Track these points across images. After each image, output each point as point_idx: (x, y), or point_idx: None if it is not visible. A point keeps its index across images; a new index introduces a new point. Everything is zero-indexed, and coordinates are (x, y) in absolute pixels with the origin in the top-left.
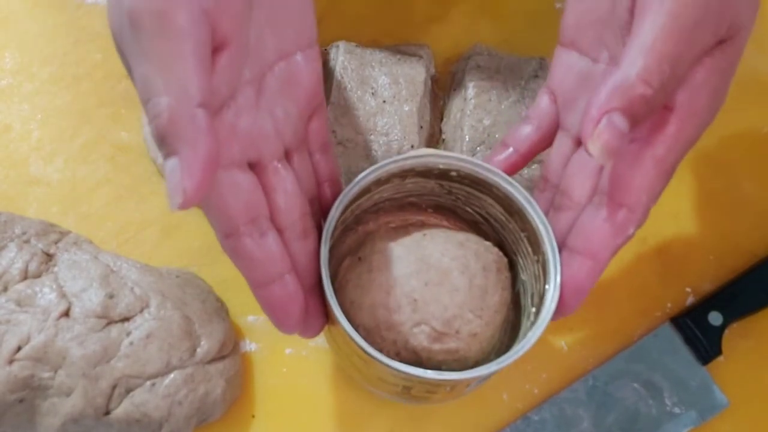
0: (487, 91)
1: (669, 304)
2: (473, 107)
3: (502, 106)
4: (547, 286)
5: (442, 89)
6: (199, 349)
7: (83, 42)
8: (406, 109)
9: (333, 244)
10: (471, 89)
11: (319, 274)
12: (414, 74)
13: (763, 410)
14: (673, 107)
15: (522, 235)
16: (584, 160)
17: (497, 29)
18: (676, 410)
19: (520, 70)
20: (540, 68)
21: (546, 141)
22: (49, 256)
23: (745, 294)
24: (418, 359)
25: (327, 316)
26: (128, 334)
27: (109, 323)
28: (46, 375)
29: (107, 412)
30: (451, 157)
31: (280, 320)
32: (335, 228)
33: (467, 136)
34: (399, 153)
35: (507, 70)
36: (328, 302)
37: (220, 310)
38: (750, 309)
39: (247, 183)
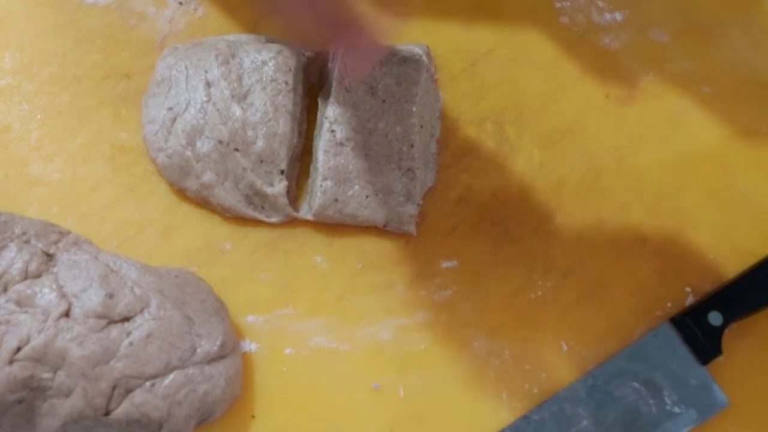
0: None
1: (669, 304)
2: None
3: None
4: None
5: (441, 89)
6: (199, 349)
7: (83, 42)
8: (406, 109)
9: None
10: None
11: None
12: (414, 74)
13: (763, 410)
14: None
15: None
16: None
17: (497, 28)
18: (676, 409)
19: None
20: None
21: None
22: (49, 256)
23: (745, 294)
24: None
25: None
26: (128, 334)
27: (108, 323)
28: (46, 375)
29: (107, 413)
30: None
31: None
32: None
33: None
34: (399, 153)
35: None
36: None
37: (220, 309)
38: (750, 309)
39: None
